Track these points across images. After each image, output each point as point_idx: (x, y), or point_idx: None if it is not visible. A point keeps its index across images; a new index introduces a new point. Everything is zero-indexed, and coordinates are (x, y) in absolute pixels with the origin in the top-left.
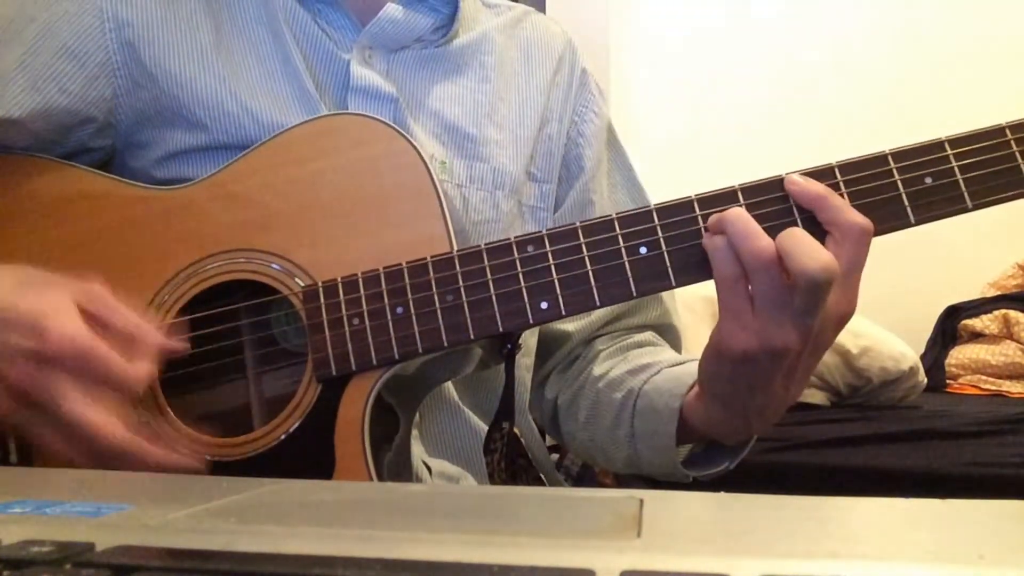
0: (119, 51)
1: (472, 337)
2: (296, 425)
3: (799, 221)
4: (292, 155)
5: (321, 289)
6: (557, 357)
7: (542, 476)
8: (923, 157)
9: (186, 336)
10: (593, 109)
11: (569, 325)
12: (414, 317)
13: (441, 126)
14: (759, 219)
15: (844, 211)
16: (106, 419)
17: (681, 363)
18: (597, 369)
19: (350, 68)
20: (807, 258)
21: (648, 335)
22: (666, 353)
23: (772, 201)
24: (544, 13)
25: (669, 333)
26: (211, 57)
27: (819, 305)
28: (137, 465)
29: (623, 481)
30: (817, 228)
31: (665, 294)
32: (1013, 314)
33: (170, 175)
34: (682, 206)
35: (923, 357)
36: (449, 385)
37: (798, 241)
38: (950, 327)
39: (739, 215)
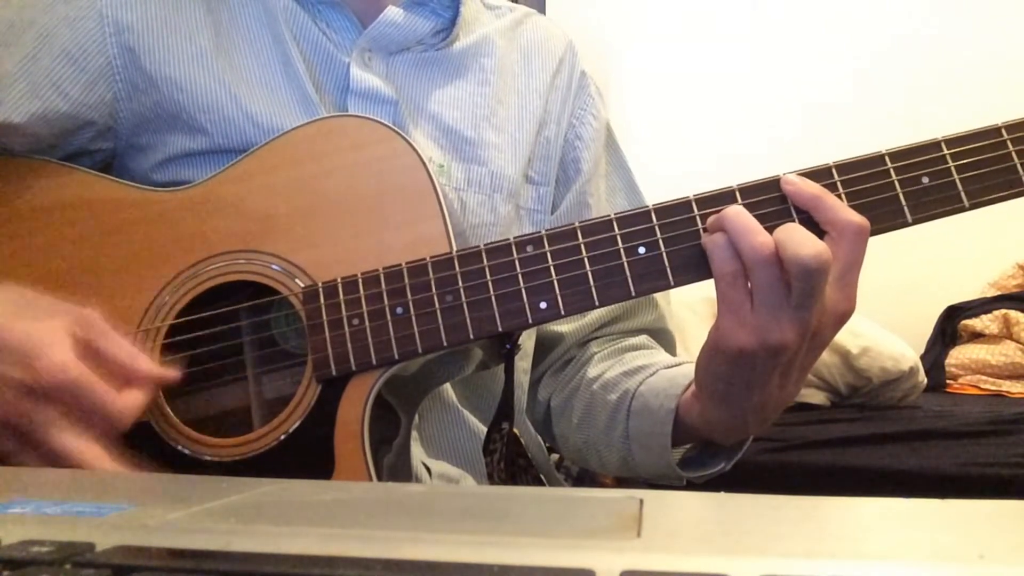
0: (119, 55)
1: (472, 337)
2: (296, 425)
3: (796, 221)
4: (292, 157)
5: (321, 289)
6: (550, 359)
7: (542, 476)
8: (920, 157)
9: (180, 369)
10: (592, 112)
11: (563, 327)
12: (414, 317)
13: (439, 129)
14: (757, 218)
15: (840, 210)
16: (95, 451)
17: (676, 364)
18: (591, 371)
19: (350, 71)
20: (799, 246)
21: (643, 339)
22: (660, 355)
23: (770, 201)
24: (544, 15)
25: (663, 337)
26: (211, 60)
27: (814, 296)
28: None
29: (623, 481)
30: (815, 227)
31: (660, 298)
32: (1013, 314)
33: (170, 178)
34: (680, 206)
35: (923, 357)
36: (448, 387)
37: (792, 232)
38: (950, 327)
39: (738, 212)
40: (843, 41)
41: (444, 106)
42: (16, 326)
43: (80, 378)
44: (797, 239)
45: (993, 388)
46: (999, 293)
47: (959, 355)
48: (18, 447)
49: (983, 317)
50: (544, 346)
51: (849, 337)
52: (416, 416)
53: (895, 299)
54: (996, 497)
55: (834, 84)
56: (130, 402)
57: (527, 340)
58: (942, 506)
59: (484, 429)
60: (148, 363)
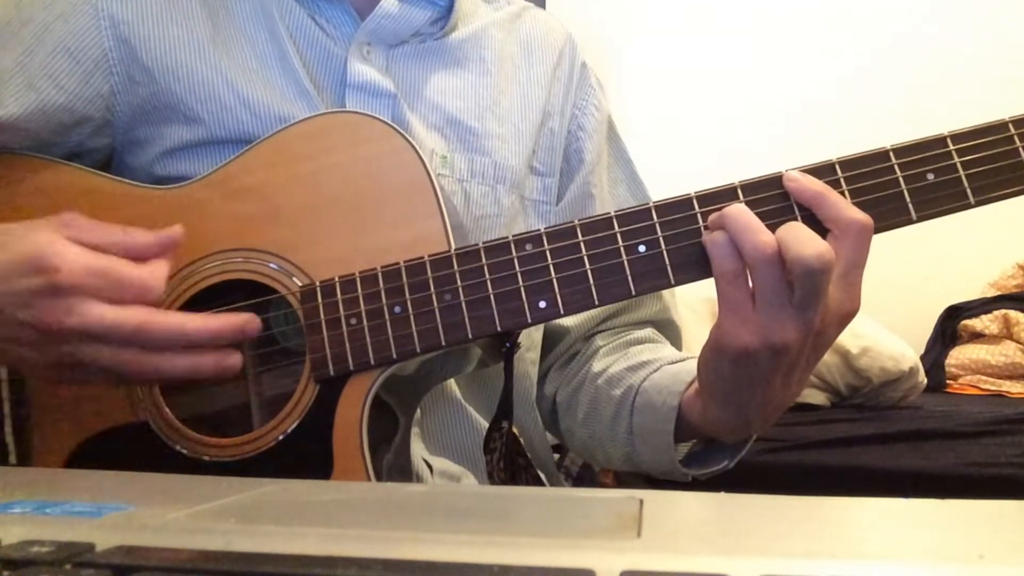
0: (115, 48)
1: (470, 336)
2: (294, 425)
3: (799, 218)
4: (289, 154)
5: (319, 289)
6: (555, 353)
7: (541, 475)
8: (925, 153)
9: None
10: (593, 103)
11: (568, 321)
12: (412, 317)
13: (443, 119)
14: (759, 216)
15: (843, 208)
16: (149, 309)
17: (681, 360)
18: (596, 365)
19: (347, 64)
20: (802, 246)
21: (648, 331)
22: (666, 350)
23: (772, 198)
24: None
25: (669, 329)
26: (208, 51)
27: (817, 297)
28: (195, 343)
29: (623, 481)
30: (818, 225)
31: (665, 290)
32: (1013, 314)
33: (169, 172)
34: (681, 204)
35: (923, 357)
36: (452, 382)
37: (794, 232)
38: (950, 327)
39: (740, 210)
40: (844, 37)
41: (446, 96)
42: (11, 245)
43: (104, 262)
44: (800, 239)
45: (993, 388)
46: (999, 293)
47: (959, 355)
48: (71, 353)
49: (983, 317)
50: (549, 340)
51: (849, 337)
52: (418, 412)
53: (895, 299)
54: (996, 497)
55: (835, 79)
56: (155, 269)
57: (535, 331)
58: (942, 506)
59: (487, 425)
60: (147, 235)
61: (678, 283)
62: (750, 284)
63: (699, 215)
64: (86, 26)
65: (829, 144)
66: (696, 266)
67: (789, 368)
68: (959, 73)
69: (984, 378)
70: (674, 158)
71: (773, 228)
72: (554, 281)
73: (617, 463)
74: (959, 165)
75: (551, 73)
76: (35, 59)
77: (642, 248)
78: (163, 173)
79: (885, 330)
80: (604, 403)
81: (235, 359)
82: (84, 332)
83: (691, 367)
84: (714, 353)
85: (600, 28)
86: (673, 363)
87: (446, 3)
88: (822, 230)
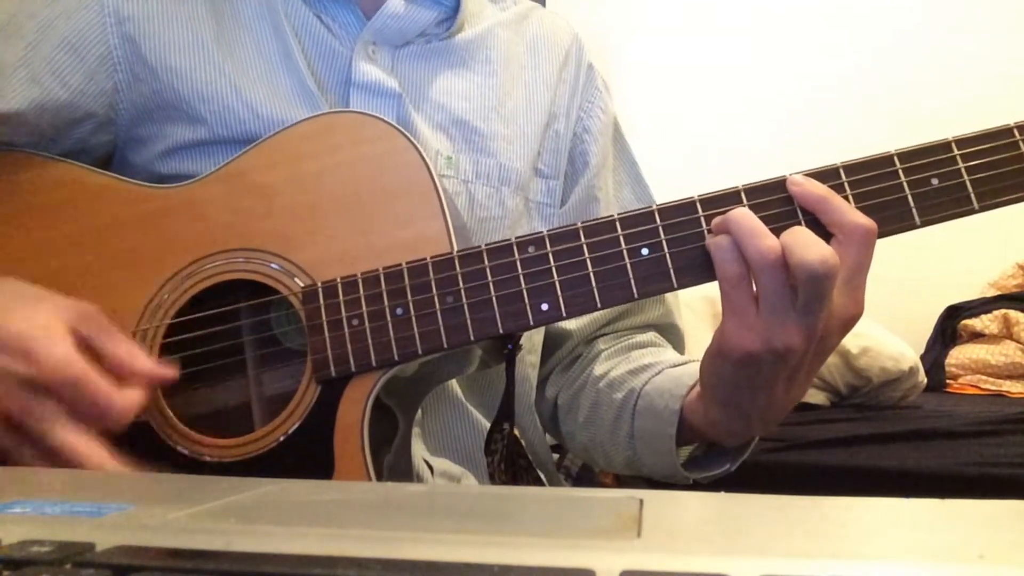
0: (120, 45)
1: (472, 338)
2: (296, 426)
3: (803, 223)
4: (291, 153)
5: (320, 289)
6: (557, 356)
7: (542, 476)
8: (930, 158)
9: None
10: (599, 105)
11: (570, 324)
12: (414, 318)
13: (448, 119)
14: (763, 220)
15: (847, 212)
16: (94, 448)
17: (683, 363)
18: (598, 369)
19: (352, 64)
20: (806, 251)
21: (650, 335)
22: (668, 353)
23: (776, 202)
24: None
25: (671, 333)
26: (212, 51)
27: (821, 301)
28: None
29: (623, 481)
30: (822, 230)
31: (668, 294)
32: (1013, 314)
33: (170, 170)
34: (684, 206)
35: (923, 357)
36: (454, 383)
37: (798, 236)
38: (950, 327)
39: (744, 214)
40: (845, 35)
41: (452, 97)
42: (15, 319)
43: (81, 373)
44: (804, 243)
45: (993, 388)
46: (999, 293)
47: (959, 355)
48: (17, 442)
49: (983, 317)
50: (551, 343)
51: (849, 337)
52: (419, 412)
53: (895, 299)
54: (996, 497)
55: (836, 78)
56: (129, 399)
57: (536, 334)
58: (942, 506)
59: (487, 426)
60: (147, 361)
61: (681, 286)
62: (754, 288)
63: (702, 218)
64: (91, 22)
65: (830, 142)
66: (699, 269)
67: (792, 373)
68: (959, 71)
69: (984, 378)
70: (674, 156)
71: (777, 232)
72: (556, 283)
73: (618, 467)
74: (963, 171)
75: (557, 74)
76: (39, 54)
77: (645, 251)
78: (164, 171)
79: (885, 330)
80: (605, 407)
81: None
82: (34, 435)
83: (693, 371)
84: (717, 357)
85: (600, 26)
86: (675, 367)
87: (452, 4)
88: (825, 235)
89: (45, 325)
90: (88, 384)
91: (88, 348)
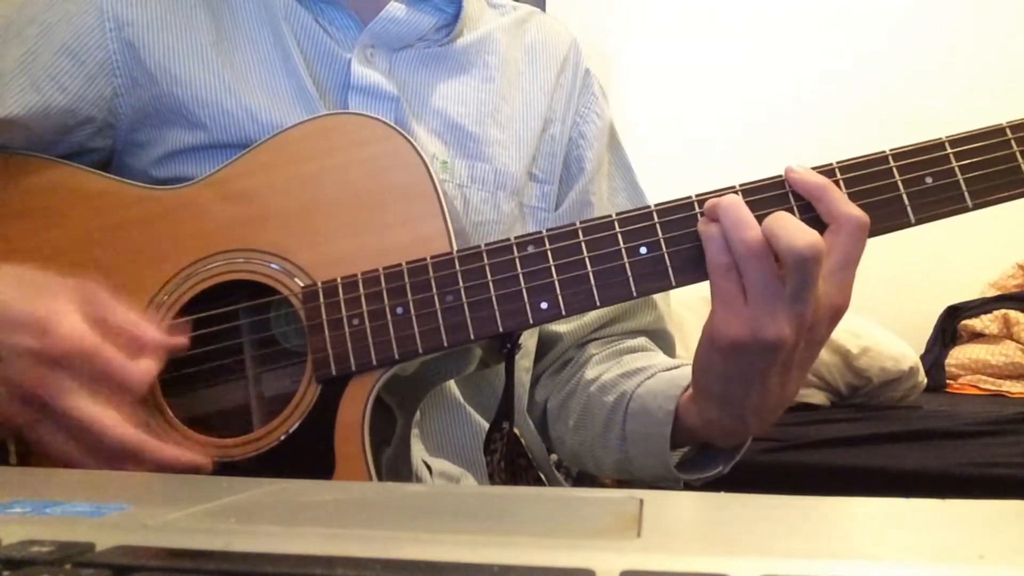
0: (119, 51)
1: (472, 337)
2: (296, 426)
3: (798, 216)
4: (291, 154)
5: (320, 289)
6: (548, 359)
7: (542, 476)
8: (923, 156)
9: (187, 335)
10: (595, 111)
11: (561, 327)
12: (414, 317)
13: (444, 125)
14: (758, 219)
15: (842, 203)
16: (114, 417)
17: (675, 367)
18: (589, 373)
19: (351, 67)
20: (792, 236)
21: (641, 340)
22: (659, 358)
23: (772, 200)
24: (544, 11)
25: (663, 339)
26: (211, 56)
27: (808, 288)
28: (144, 464)
29: (623, 481)
30: (815, 224)
31: (659, 299)
32: (1013, 314)
33: (169, 174)
34: (682, 206)
35: (923, 357)
36: (452, 383)
37: (783, 222)
38: (950, 327)
39: (732, 203)
40: (843, 35)
41: (448, 102)
42: (25, 299)
43: (94, 345)
44: (789, 229)
45: (993, 388)
46: (999, 293)
47: (959, 355)
48: (35, 417)
49: (983, 317)
50: (542, 347)
51: (849, 337)
52: (418, 413)
53: (895, 299)
54: (996, 497)
55: (833, 79)
56: (144, 369)
57: (529, 338)
58: (942, 506)
59: (487, 426)
60: (155, 331)
61: (679, 284)
62: (742, 278)
63: (700, 217)
64: (90, 27)
65: (828, 143)
66: (698, 268)
67: (784, 366)
68: (959, 71)
69: (984, 378)
70: (673, 157)
71: None
72: (556, 282)
73: (608, 470)
74: (957, 169)
75: (554, 79)
76: (39, 60)
77: (644, 250)
78: (163, 176)
79: (885, 330)
80: (596, 410)
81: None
82: (53, 410)
83: (686, 372)
84: (707, 350)
85: (600, 28)
86: (668, 370)
87: (453, 10)
88: (820, 229)
89: (53, 303)
90: (103, 355)
91: (96, 323)
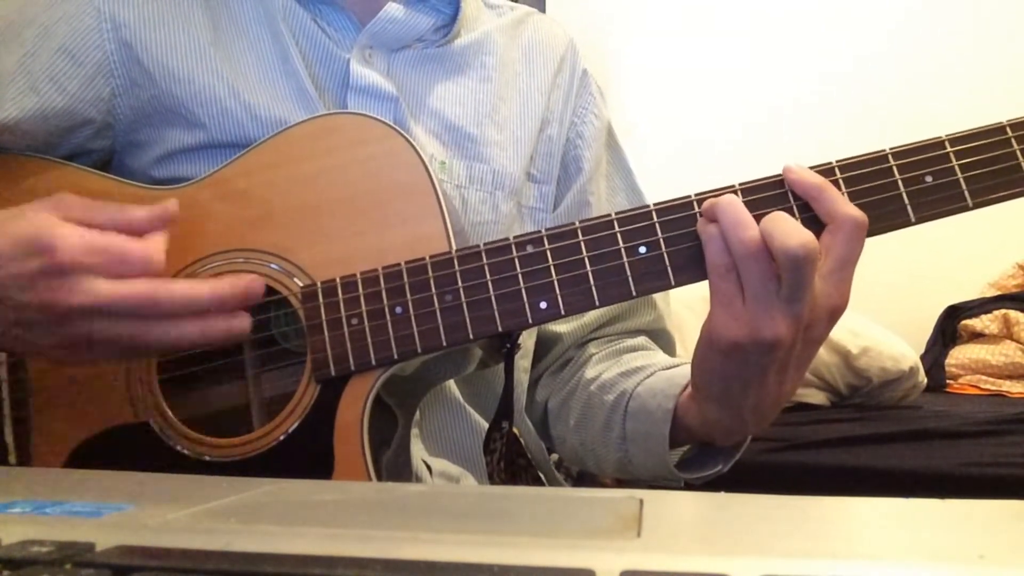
0: (117, 51)
1: (471, 337)
2: (295, 426)
3: (798, 219)
4: (290, 154)
5: (320, 289)
6: (548, 359)
7: (542, 476)
8: (923, 155)
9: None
10: (593, 111)
11: (561, 327)
12: (413, 317)
13: (442, 126)
14: (757, 220)
15: (840, 203)
16: (154, 281)
17: (674, 365)
18: (589, 372)
19: (350, 67)
20: (787, 236)
21: (641, 339)
22: (659, 356)
23: (771, 200)
24: (544, 12)
25: (662, 338)
26: (209, 55)
27: (804, 288)
28: (202, 307)
29: (623, 481)
30: (813, 225)
31: (659, 299)
32: (1013, 314)
33: (168, 174)
34: (681, 205)
35: (923, 357)
36: (451, 383)
37: (778, 222)
38: (950, 327)
39: (730, 203)
40: (843, 37)
41: (446, 103)
42: (7, 229)
43: (102, 240)
44: (784, 229)
45: (993, 388)
46: (999, 293)
47: (959, 355)
48: (77, 328)
49: (983, 317)
50: (542, 347)
51: (849, 337)
52: (417, 413)
53: (895, 299)
54: (996, 497)
55: (834, 80)
56: (155, 244)
57: (528, 339)
58: (942, 506)
59: (486, 426)
60: (142, 210)
61: (679, 284)
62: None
63: (699, 216)
64: (88, 28)
65: (827, 143)
66: (697, 267)
67: (782, 365)
68: (959, 72)
69: (984, 378)
70: (673, 158)
71: None
72: (555, 282)
73: (609, 469)
74: (957, 168)
75: (552, 80)
76: (37, 61)
77: (643, 249)
78: (163, 175)
79: (885, 330)
80: (596, 409)
81: (243, 321)
82: (92, 309)
83: (685, 371)
84: (706, 350)
85: (599, 28)
86: (667, 368)
87: (451, 11)
88: (818, 229)
89: (37, 219)
90: (113, 245)
91: (85, 224)
